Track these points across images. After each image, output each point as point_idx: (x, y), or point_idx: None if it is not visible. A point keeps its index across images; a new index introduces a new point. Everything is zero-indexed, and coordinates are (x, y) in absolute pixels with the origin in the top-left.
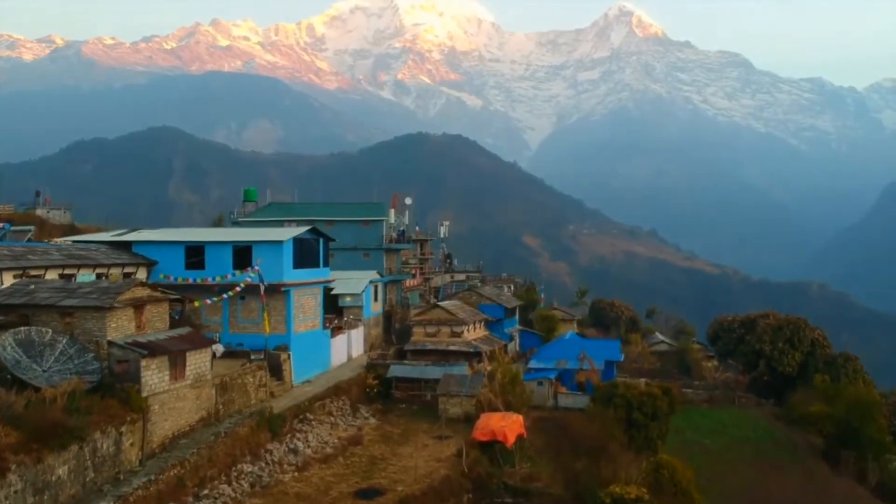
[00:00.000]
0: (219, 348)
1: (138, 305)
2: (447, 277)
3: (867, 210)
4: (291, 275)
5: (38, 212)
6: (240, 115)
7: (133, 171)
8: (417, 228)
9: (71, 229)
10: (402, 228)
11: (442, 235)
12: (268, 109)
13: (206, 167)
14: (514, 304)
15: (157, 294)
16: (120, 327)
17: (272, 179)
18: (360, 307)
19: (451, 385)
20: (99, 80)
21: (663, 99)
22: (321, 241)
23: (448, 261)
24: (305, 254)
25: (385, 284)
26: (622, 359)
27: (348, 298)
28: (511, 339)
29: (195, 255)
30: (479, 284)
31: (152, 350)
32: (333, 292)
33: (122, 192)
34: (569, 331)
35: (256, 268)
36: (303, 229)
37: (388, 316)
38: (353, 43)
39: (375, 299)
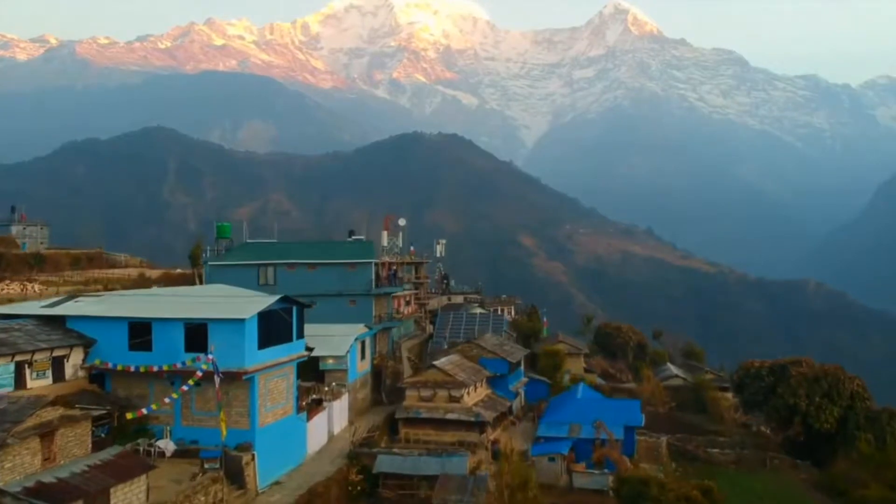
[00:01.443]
0: (169, 446)
1: (46, 433)
2: (444, 299)
3: (863, 207)
4: (255, 357)
5: (13, 230)
6: (234, 115)
7: (127, 172)
8: (413, 249)
9: (37, 258)
10: (393, 271)
11: (438, 255)
12: (263, 109)
13: (201, 168)
14: (520, 357)
15: (74, 412)
16: (18, 466)
17: (267, 179)
18: (345, 370)
19: (449, 491)
20: (93, 80)
21: (659, 97)
22: (295, 308)
23: (445, 282)
24: (274, 328)
25: (374, 336)
26: (643, 423)
27: (331, 361)
28: (516, 396)
29: (141, 334)
30: (477, 307)
31: (59, 497)
32: (314, 354)
33: (116, 193)
34: (579, 381)
35: (210, 356)
36: (272, 300)
37: (377, 372)
38: (348, 42)
39: (362, 357)
